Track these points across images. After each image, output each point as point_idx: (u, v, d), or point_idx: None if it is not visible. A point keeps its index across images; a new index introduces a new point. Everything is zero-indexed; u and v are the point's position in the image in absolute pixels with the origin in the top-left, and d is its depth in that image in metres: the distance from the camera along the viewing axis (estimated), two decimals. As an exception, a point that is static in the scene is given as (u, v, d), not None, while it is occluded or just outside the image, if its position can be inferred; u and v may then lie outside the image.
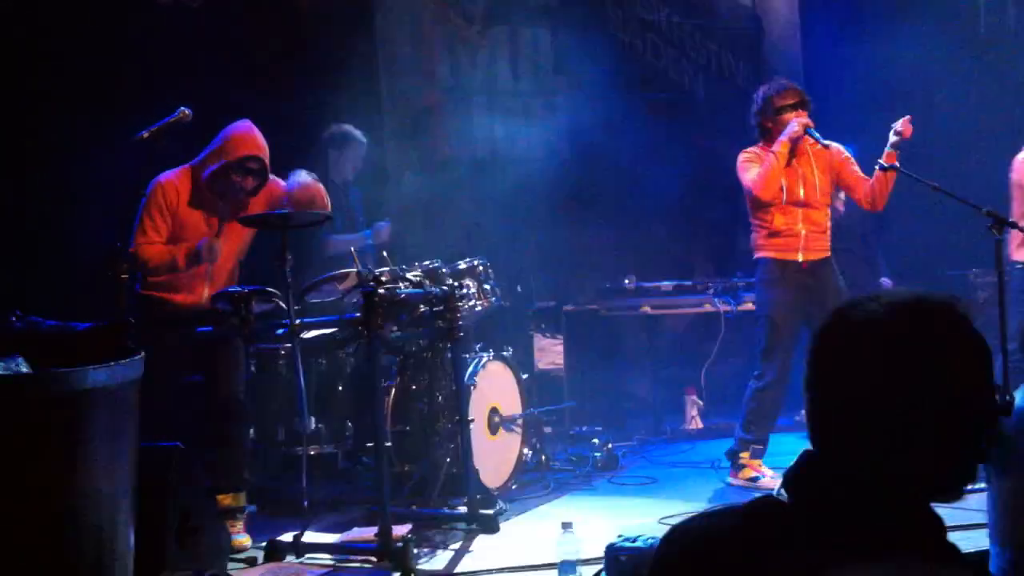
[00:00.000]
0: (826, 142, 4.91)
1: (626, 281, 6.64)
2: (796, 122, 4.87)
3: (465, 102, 7.29)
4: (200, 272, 4.42)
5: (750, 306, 5.91)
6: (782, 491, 1.42)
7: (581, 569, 3.37)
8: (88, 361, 2.16)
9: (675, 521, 3.79)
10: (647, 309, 6.59)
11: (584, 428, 6.27)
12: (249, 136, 4.45)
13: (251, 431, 4.50)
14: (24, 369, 2.10)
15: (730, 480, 5.08)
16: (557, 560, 3.40)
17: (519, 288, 6.59)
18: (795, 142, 4.90)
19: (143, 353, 2.30)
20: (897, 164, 4.83)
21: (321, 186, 4.68)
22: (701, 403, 6.48)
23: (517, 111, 7.41)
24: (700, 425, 6.46)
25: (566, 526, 3.38)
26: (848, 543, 1.30)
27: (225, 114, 4.67)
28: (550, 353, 6.70)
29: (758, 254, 5.07)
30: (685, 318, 6.74)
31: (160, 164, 4.21)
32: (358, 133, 5.93)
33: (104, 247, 3.77)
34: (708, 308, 6.45)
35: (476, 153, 7.25)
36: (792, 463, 1.43)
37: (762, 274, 5.07)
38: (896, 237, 6.99)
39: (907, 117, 4.82)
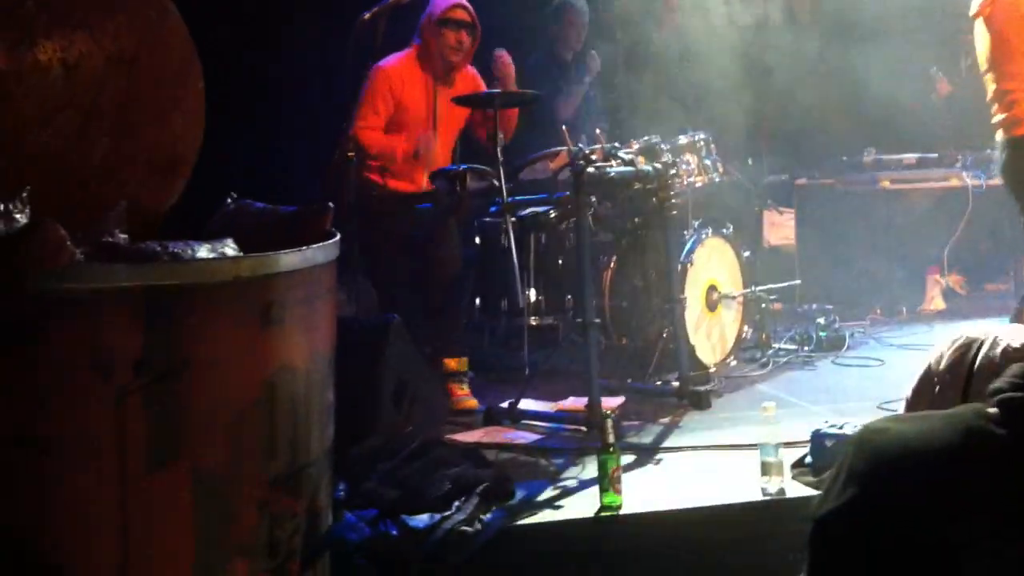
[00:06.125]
0: None
1: (865, 154, 6.29)
2: None
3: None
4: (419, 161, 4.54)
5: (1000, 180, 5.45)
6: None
7: (783, 452, 3.34)
8: (290, 243, 2.35)
9: (895, 407, 3.67)
10: (886, 184, 6.23)
11: (814, 306, 6.09)
12: None
13: (477, 302, 4.70)
14: (230, 252, 2.31)
15: None
16: (757, 441, 3.40)
17: (750, 161, 6.41)
18: None
19: (338, 236, 2.46)
20: None
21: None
22: (944, 282, 6.13)
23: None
24: (942, 306, 6.13)
25: (766, 408, 3.36)
26: None
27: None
28: (782, 228, 6.51)
29: None
30: (929, 193, 6.30)
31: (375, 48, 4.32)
32: (578, 1, 5.80)
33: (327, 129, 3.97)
34: (955, 182, 6.03)
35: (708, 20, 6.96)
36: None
37: None
38: None
39: None
